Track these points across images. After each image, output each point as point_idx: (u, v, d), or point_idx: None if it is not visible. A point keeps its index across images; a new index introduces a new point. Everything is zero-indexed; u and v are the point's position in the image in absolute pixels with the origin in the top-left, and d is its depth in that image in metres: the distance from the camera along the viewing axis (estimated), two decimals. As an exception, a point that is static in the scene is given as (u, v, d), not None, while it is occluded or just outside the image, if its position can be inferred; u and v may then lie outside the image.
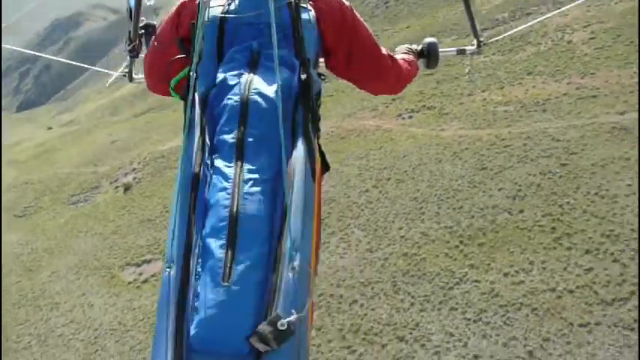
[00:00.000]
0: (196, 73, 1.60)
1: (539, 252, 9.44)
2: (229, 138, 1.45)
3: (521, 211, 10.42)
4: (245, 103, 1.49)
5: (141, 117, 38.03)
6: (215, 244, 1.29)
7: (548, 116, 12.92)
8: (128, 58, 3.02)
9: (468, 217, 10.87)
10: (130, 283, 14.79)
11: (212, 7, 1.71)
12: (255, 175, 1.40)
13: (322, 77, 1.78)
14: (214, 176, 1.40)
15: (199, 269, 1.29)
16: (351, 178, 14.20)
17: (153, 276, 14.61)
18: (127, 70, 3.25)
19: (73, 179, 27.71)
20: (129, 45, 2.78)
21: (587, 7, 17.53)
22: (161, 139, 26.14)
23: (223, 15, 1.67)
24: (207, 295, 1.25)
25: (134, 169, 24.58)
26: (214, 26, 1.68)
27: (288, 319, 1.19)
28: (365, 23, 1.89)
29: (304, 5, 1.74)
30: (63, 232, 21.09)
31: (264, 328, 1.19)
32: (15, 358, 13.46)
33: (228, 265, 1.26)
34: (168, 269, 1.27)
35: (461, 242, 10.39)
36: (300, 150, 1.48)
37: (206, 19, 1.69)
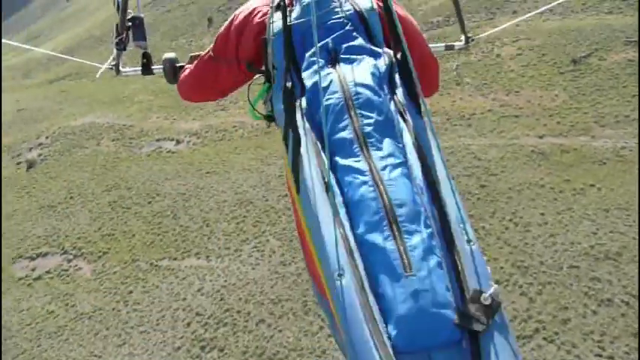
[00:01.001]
0: (291, 84, 1.56)
1: (451, 277, 9.38)
2: (346, 134, 1.42)
3: (438, 232, 10.31)
4: (347, 97, 1.47)
5: (55, 84, 34.74)
6: (379, 239, 1.24)
7: (472, 132, 12.93)
8: (115, 50, 3.05)
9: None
10: (20, 279, 13.38)
11: (275, 22, 1.73)
12: (389, 161, 1.37)
13: None
14: (345, 176, 1.36)
15: (369, 270, 1.22)
16: (271, 180, 13.57)
17: (47, 272, 13.29)
18: (114, 62, 3.24)
19: (-31, 149, 24.95)
20: (116, 38, 2.91)
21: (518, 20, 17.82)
22: (74, 113, 24.03)
23: (288, 24, 1.66)
24: (394, 291, 1.17)
25: (40, 145, 22.43)
26: (280, 38, 1.69)
27: (490, 292, 1.13)
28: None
29: None
30: (-50, 211, 18.89)
31: (468, 307, 1.13)
32: None
33: (404, 254, 1.20)
34: (340, 278, 1.19)
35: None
36: (419, 122, 1.46)
37: (271, 34, 1.72)
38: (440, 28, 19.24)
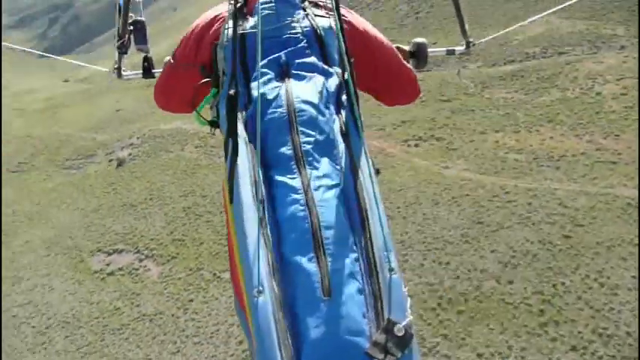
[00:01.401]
0: (236, 92, 1.54)
1: (521, 336, 8.58)
2: (285, 150, 1.39)
3: (511, 282, 9.53)
4: (291, 113, 1.45)
5: (151, 88, 37.28)
6: (303, 259, 1.21)
7: (560, 175, 11.94)
8: (117, 54, 3.01)
9: (452, 276, 10.00)
10: (95, 272, 14.15)
11: (230, 28, 1.69)
12: (324, 182, 1.34)
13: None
14: (279, 192, 1.33)
15: (290, 290, 1.20)
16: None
17: (120, 269, 13.94)
18: (116, 66, 3.20)
19: (71, 142, 27.15)
20: (118, 41, 2.84)
21: (624, 56, 16.39)
22: (165, 118, 25.34)
23: (243, 32, 1.65)
24: (310, 313, 1.15)
25: (131, 145, 23.91)
26: (236, 46, 1.66)
27: (404, 323, 1.12)
28: (378, 31, 1.87)
29: (322, 14, 1.75)
30: (47, 199, 20.53)
31: (380, 337, 1.11)
32: (-37, 333, 12.93)
33: (325, 277, 1.18)
34: (259, 294, 1.17)
35: (439, 305, 9.54)
36: (358, 146, 1.44)
37: (225, 39, 1.68)
38: (535, 60, 18.20)
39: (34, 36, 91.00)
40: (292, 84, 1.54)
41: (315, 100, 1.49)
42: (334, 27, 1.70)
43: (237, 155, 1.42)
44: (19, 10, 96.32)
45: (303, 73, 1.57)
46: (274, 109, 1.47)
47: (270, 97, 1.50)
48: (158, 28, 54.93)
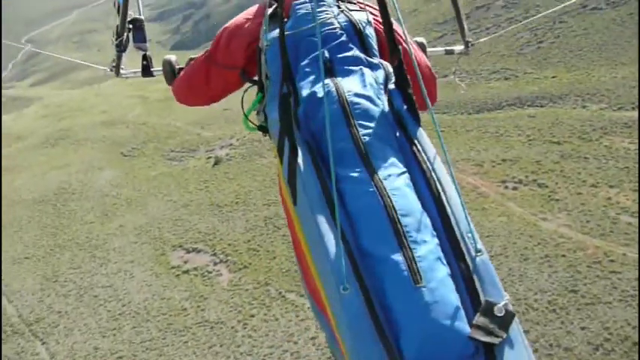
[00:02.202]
0: (289, 91, 1.53)
1: None
2: (346, 145, 1.40)
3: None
4: (346, 107, 1.45)
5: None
6: (386, 250, 1.20)
7: (684, 252, 10.20)
8: (115, 52, 3.04)
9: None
10: (173, 267, 14.69)
11: (268, 31, 1.70)
12: (391, 170, 1.35)
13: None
14: (347, 186, 1.33)
15: (377, 282, 1.18)
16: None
17: (195, 269, 14.33)
18: (114, 64, 3.23)
19: (179, 135, 28.80)
20: (117, 39, 2.87)
21: None
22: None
23: (283, 34, 1.62)
24: (404, 303, 1.14)
25: (231, 145, 24.79)
26: (275, 47, 1.66)
27: (503, 303, 1.11)
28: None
29: (356, 8, 1.77)
30: (148, 186, 21.89)
31: (481, 320, 1.10)
32: (51, 304, 14.03)
33: (414, 265, 1.16)
34: (345, 292, 1.15)
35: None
36: (418, 132, 1.45)
37: (266, 43, 1.69)
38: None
39: (169, 30, 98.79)
40: (340, 79, 1.53)
41: (367, 92, 1.48)
42: (371, 20, 1.73)
43: (296, 156, 1.38)
44: (159, 6, 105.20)
45: (349, 67, 1.56)
46: (328, 106, 1.43)
47: (320, 94, 1.48)
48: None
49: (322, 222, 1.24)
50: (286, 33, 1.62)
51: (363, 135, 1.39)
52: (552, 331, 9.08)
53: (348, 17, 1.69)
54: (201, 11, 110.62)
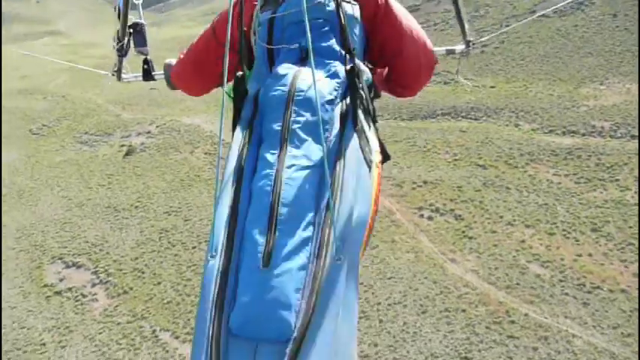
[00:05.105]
0: (243, 75, 1.67)
1: None
2: (275, 126, 1.48)
3: None
4: (291, 92, 1.52)
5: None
6: (255, 230, 1.30)
7: (586, 317, 9.38)
8: (116, 57, 3.27)
9: None
10: (45, 286, 12.88)
11: (262, 13, 1.80)
12: (300, 161, 1.39)
13: (371, 67, 1.86)
14: (259, 165, 1.42)
15: (241, 256, 1.30)
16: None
17: (69, 289, 12.59)
18: (115, 69, 3.40)
19: (98, 114, 26.36)
20: (117, 44, 3.15)
21: None
22: (190, 110, 24.02)
23: (271, 17, 1.74)
24: (247, 280, 1.25)
25: (148, 133, 22.72)
26: (264, 30, 1.77)
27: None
28: (406, 11, 1.92)
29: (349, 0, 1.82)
30: (47, 176, 19.69)
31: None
32: None
33: (268, 249, 1.26)
34: (211, 258, 1.28)
35: None
36: (350, 137, 1.47)
37: (257, 25, 1.79)
38: (601, 137, 15.19)
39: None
40: (306, 68, 1.59)
41: (320, 83, 1.53)
42: (358, 16, 1.81)
43: (235, 130, 1.56)
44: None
45: (320, 58, 1.63)
46: (278, 87, 1.56)
47: (279, 76, 1.60)
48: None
49: (225, 195, 1.37)
50: (276, 15, 1.73)
51: (293, 121, 1.45)
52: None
53: (336, 7, 1.70)
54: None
